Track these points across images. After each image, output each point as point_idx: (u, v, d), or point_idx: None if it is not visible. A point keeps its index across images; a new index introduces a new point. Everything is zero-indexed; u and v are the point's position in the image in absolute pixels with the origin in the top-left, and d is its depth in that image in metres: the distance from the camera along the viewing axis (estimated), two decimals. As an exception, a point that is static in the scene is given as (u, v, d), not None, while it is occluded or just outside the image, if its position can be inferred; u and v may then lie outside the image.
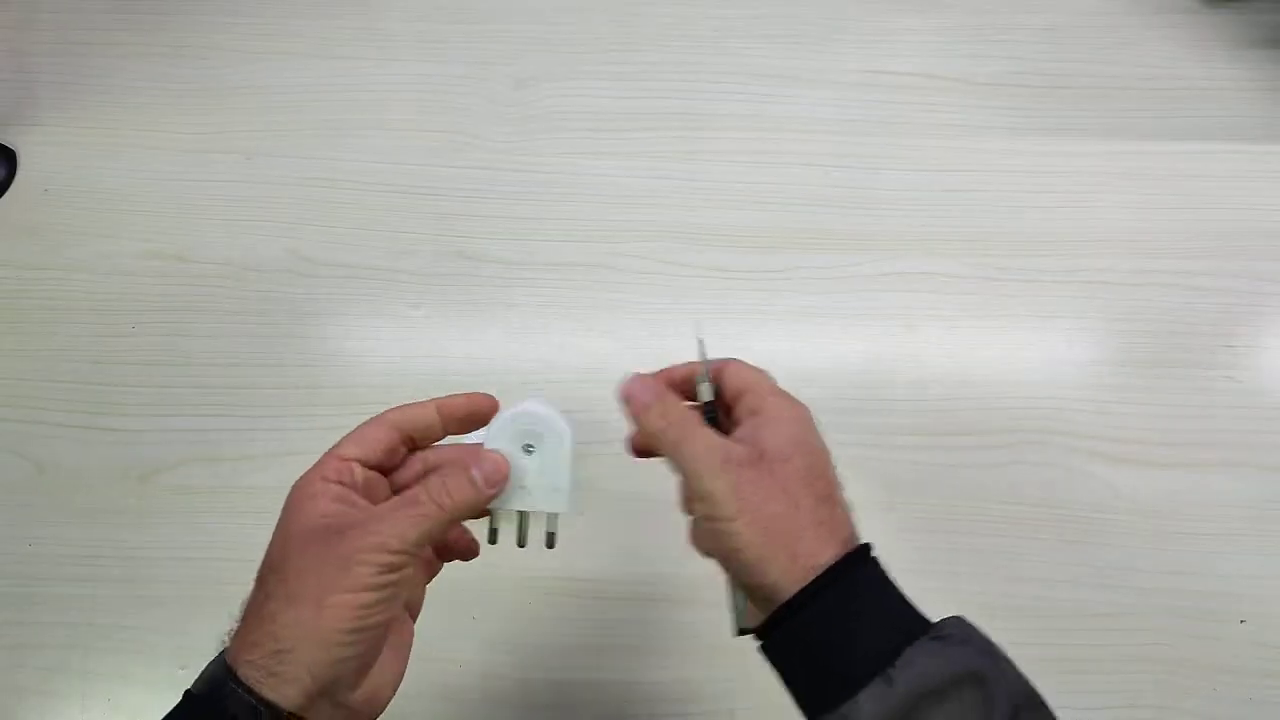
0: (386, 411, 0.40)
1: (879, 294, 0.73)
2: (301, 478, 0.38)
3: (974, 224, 0.75)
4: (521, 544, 0.41)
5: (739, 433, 0.39)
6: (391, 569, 0.35)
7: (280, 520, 0.37)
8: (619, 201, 0.77)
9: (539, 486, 0.40)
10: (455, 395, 0.41)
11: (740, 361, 0.42)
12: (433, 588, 0.43)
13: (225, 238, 0.75)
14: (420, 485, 0.37)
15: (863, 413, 0.68)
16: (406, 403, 0.41)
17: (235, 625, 0.36)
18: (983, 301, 0.72)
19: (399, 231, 0.75)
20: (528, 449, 0.40)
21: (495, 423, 0.41)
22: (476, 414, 0.41)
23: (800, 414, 0.40)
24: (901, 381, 0.69)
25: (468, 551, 0.44)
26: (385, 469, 0.40)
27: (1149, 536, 0.64)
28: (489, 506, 0.39)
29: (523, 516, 0.41)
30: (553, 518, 0.41)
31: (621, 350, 0.71)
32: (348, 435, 0.39)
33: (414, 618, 0.42)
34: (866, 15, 0.85)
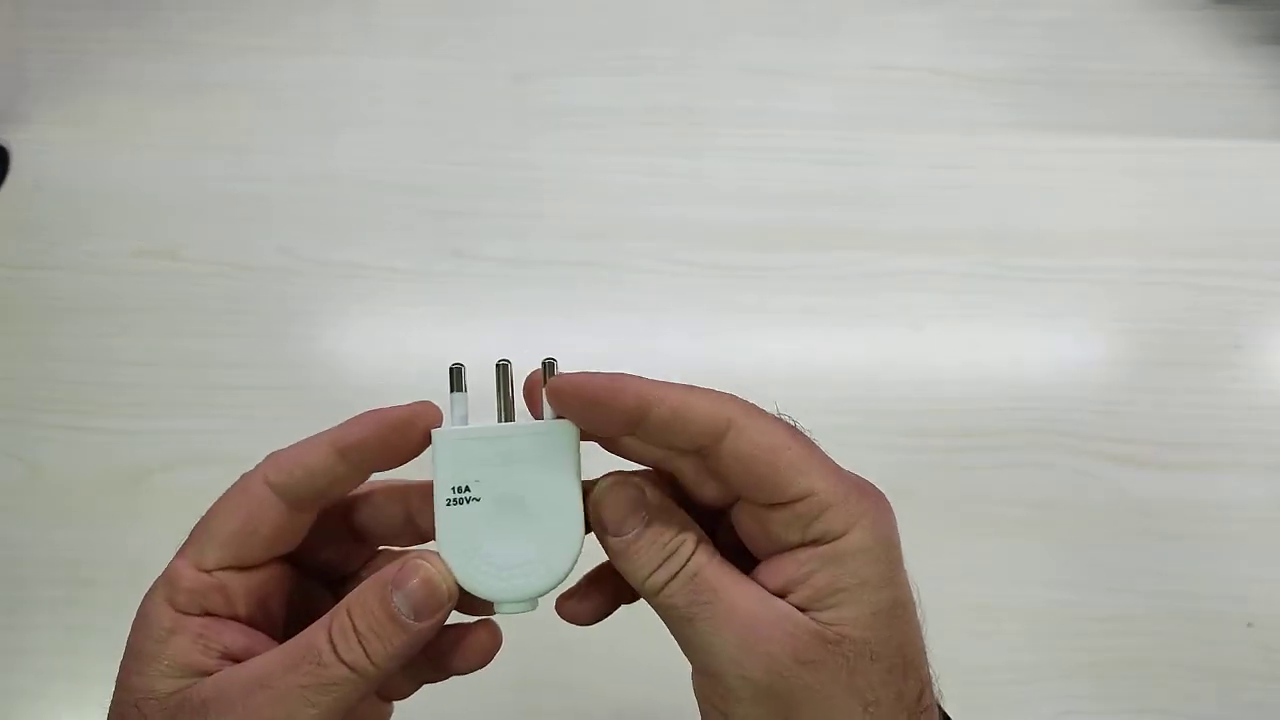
0: (265, 463, 0.26)
1: (882, 293, 0.72)
2: (145, 603, 0.26)
3: (979, 221, 0.74)
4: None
5: (785, 571, 0.24)
6: None
7: (119, 676, 0.25)
8: (618, 198, 0.76)
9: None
10: (362, 420, 0.26)
11: (734, 400, 0.26)
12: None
13: (218, 236, 0.75)
14: (321, 624, 0.24)
15: (865, 413, 0.67)
16: (287, 447, 0.27)
17: None
18: (987, 300, 0.72)
19: (394, 229, 0.75)
20: None
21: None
22: (406, 440, 0.26)
23: (889, 536, 0.24)
24: (905, 381, 0.69)
25: (481, 656, 0.28)
26: (321, 548, 0.27)
27: (1155, 538, 0.64)
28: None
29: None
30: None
31: (621, 349, 0.70)
32: (211, 512, 0.26)
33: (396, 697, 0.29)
34: (869, 9, 0.84)
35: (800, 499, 0.24)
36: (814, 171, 0.77)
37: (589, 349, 0.70)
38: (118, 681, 0.25)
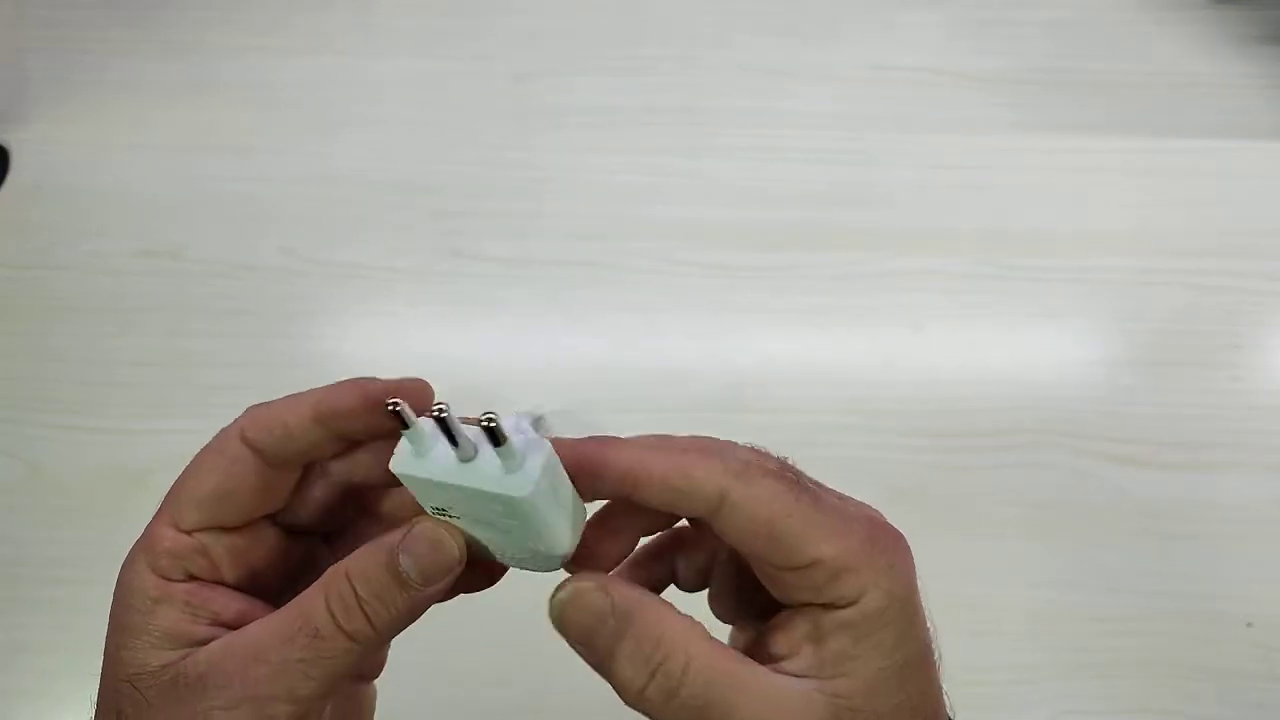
0: (243, 417, 0.25)
1: (883, 293, 0.72)
2: (124, 572, 0.24)
3: (979, 221, 0.74)
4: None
5: (800, 629, 0.23)
6: None
7: (106, 651, 0.24)
8: (618, 198, 0.76)
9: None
10: (346, 387, 0.24)
11: (728, 463, 0.23)
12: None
13: (218, 236, 0.75)
14: (316, 591, 0.23)
15: (866, 413, 0.67)
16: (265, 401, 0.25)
17: None
18: (988, 300, 0.71)
19: (394, 229, 0.75)
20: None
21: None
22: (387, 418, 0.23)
23: (905, 593, 0.24)
24: (905, 381, 0.69)
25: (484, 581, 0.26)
26: (305, 514, 0.25)
27: (1155, 538, 0.64)
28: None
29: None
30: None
31: (621, 350, 0.70)
32: (186, 471, 0.24)
33: (372, 677, 0.28)
34: (869, 9, 0.84)
35: (808, 566, 0.22)
36: (814, 171, 0.77)
37: (589, 349, 0.70)
38: (105, 657, 0.24)
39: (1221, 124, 0.78)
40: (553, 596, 0.24)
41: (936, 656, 0.24)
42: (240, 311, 0.72)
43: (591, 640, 0.23)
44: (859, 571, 0.22)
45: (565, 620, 0.23)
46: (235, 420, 0.25)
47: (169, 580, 0.24)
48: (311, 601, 0.23)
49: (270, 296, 0.72)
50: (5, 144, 0.79)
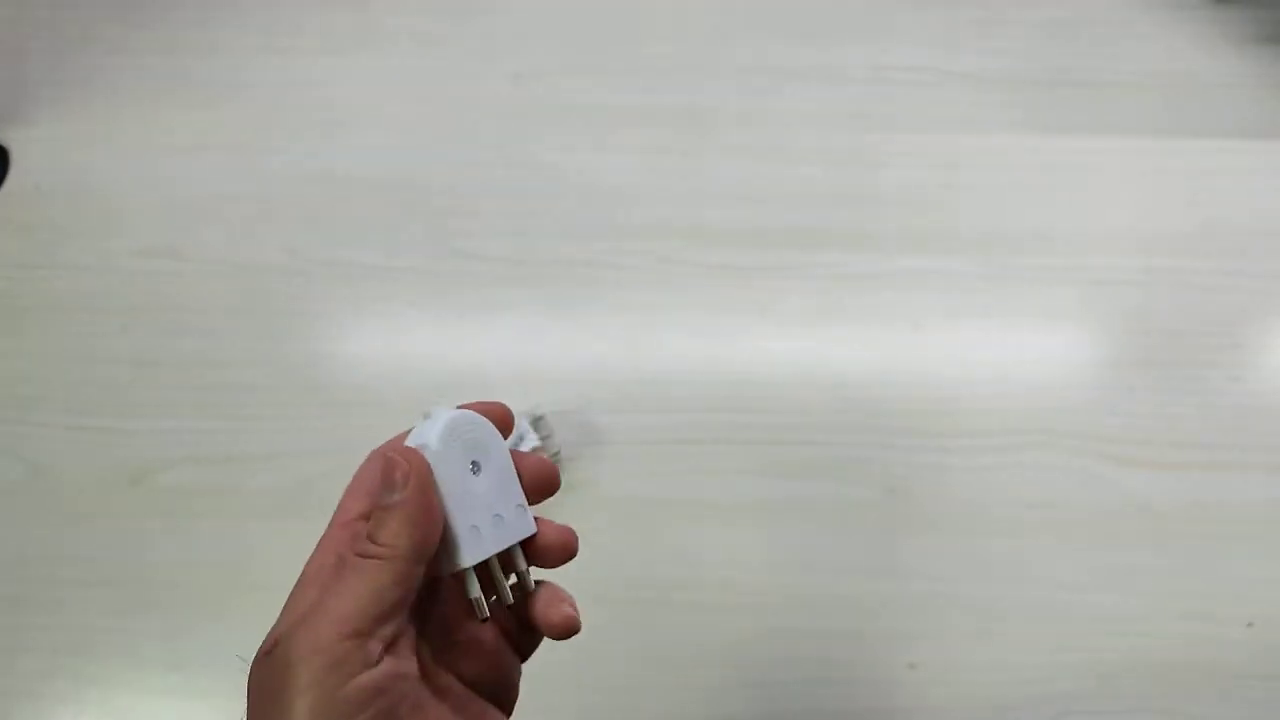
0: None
1: (883, 292, 0.72)
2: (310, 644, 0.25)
3: (979, 221, 0.74)
4: (509, 601, 0.30)
5: None
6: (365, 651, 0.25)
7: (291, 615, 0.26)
8: (619, 198, 0.76)
9: (502, 512, 0.29)
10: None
11: None
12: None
13: (219, 236, 0.75)
14: (345, 541, 0.27)
15: (866, 412, 0.67)
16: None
17: None
18: (988, 300, 0.71)
19: (396, 229, 0.75)
20: (474, 467, 0.29)
21: (434, 448, 0.28)
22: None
23: None
24: (905, 381, 0.69)
25: (564, 552, 0.31)
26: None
27: (1155, 538, 0.64)
28: (462, 567, 0.28)
29: (494, 564, 0.29)
30: (515, 552, 0.30)
31: (621, 350, 0.70)
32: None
33: (506, 710, 0.30)
34: (869, 9, 0.84)
35: None
36: (814, 171, 0.77)
37: (589, 349, 0.70)
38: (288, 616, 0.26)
39: (1221, 124, 0.78)
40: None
41: None
42: (240, 311, 0.72)
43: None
44: None
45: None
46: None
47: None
48: (342, 552, 0.27)
49: (270, 296, 0.72)
50: (5, 144, 0.79)
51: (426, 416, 0.29)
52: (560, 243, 0.74)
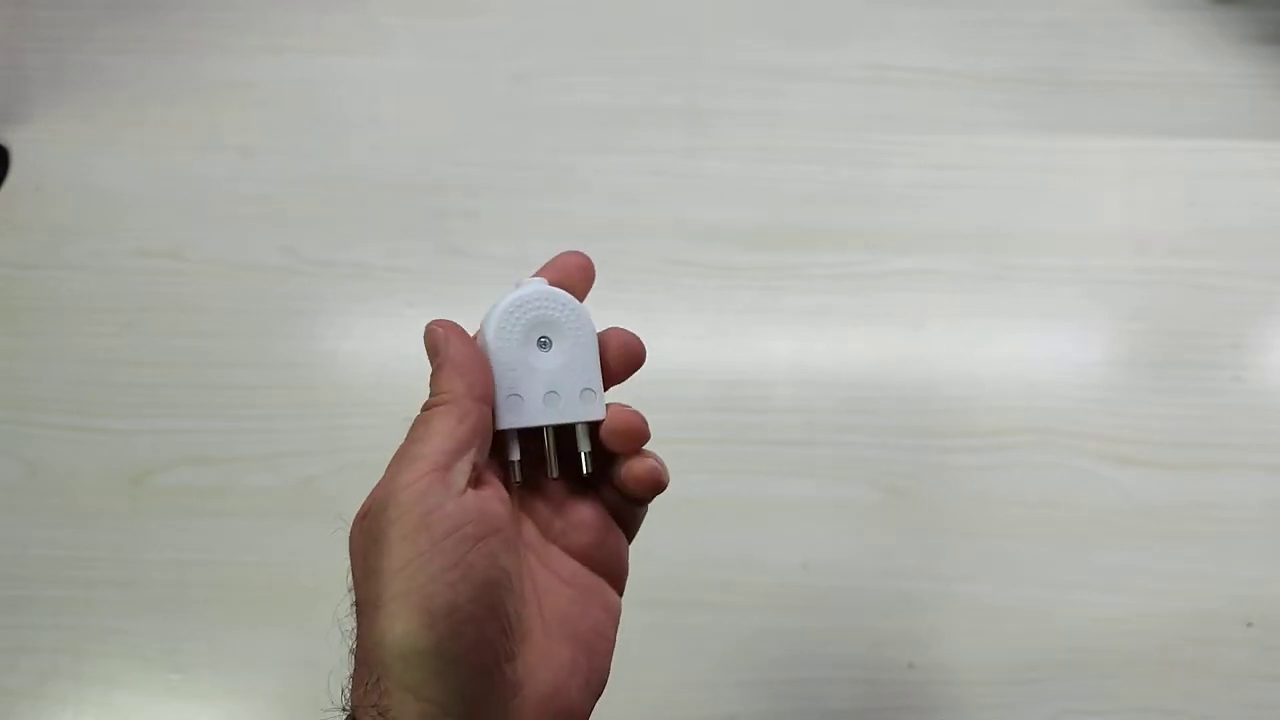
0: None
1: (883, 292, 0.72)
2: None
3: (980, 221, 0.74)
4: (554, 474, 0.31)
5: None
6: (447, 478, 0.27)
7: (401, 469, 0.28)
8: (618, 198, 0.76)
9: (567, 391, 0.30)
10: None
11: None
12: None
13: (219, 236, 0.75)
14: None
15: (865, 412, 0.67)
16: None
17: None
18: (988, 300, 0.71)
19: (395, 229, 0.75)
20: (543, 343, 0.30)
21: (494, 316, 0.31)
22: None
23: None
24: (906, 381, 0.69)
25: (628, 437, 0.31)
26: None
27: (1155, 538, 0.64)
28: (505, 427, 0.29)
29: (550, 435, 0.30)
30: (585, 432, 0.30)
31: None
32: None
33: (617, 586, 0.32)
34: (869, 9, 0.84)
35: None
36: (814, 171, 0.77)
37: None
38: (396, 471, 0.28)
39: (1222, 124, 0.78)
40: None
41: None
42: (240, 312, 0.72)
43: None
44: None
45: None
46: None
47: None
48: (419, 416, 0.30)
49: (270, 296, 0.72)
50: (5, 144, 0.79)
51: (518, 285, 0.31)
52: (560, 243, 0.73)
